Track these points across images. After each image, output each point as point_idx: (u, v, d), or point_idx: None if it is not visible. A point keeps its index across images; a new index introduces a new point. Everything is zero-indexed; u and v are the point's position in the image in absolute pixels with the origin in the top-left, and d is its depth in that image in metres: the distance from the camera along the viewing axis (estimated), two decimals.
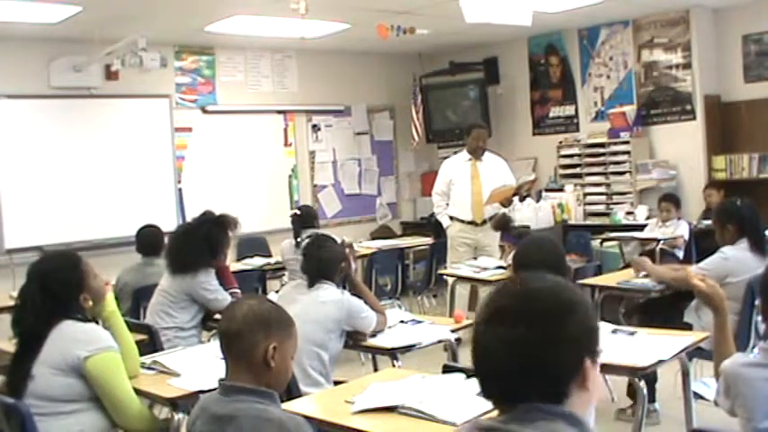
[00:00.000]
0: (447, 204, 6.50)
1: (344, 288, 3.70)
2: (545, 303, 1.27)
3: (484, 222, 6.33)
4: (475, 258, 6.09)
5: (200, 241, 4.13)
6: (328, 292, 3.55)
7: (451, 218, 6.46)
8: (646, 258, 4.71)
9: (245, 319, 2.03)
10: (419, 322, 3.85)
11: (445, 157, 6.99)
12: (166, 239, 4.67)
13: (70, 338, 2.65)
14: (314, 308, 3.46)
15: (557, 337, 1.24)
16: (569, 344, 1.25)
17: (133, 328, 3.29)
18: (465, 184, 6.37)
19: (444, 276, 6.12)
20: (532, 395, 1.24)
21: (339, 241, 3.87)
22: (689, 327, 4.08)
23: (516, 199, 6.76)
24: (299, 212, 5.70)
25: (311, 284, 3.59)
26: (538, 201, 7.97)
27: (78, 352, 2.61)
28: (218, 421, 1.94)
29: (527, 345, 1.24)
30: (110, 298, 2.98)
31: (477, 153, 6.40)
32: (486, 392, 1.31)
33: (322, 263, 3.62)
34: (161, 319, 4.02)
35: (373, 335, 3.60)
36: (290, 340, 2.09)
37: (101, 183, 7.16)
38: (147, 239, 5.02)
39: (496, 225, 5.67)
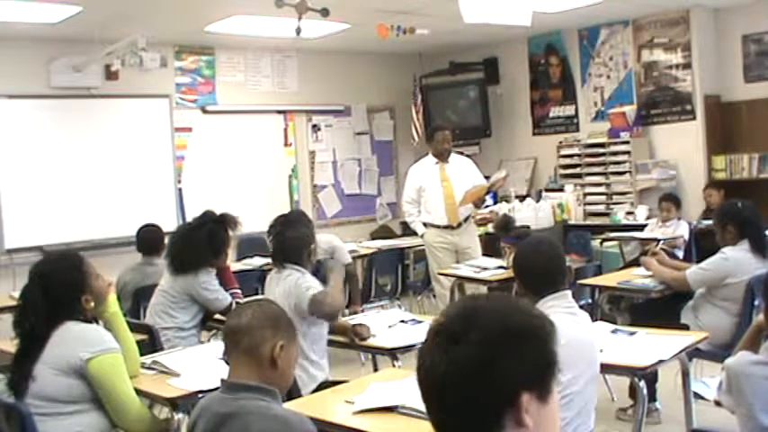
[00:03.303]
0: (419, 212, 6.32)
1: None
2: (486, 327, 1.16)
3: (459, 225, 6.19)
4: (458, 262, 5.94)
5: (201, 241, 4.12)
6: (288, 281, 3.49)
7: (425, 224, 6.27)
8: (651, 259, 4.67)
9: (254, 315, 2.06)
10: (419, 322, 3.84)
11: None
12: (167, 239, 4.67)
13: (73, 339, 2.66)
14: (281, 299, 3.33)
15: (488, 363, 1.14)
16: (501, 373, 1.14)
17: (133, 328, 3.28)
18: (436, 189, 6.20)
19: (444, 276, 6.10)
20: (462, 422, 1.16)
21: (347, 248, 3.81)
22: (686, 327, 4.09)
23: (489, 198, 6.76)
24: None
25: (279, 268, 3.53)
26: (538, 201, 7.97)
27: (81, 353, 2.62)
28: (221, 419, 1.94)
29: (459, 368, 1.14)
30: (112, 299, 2.99)
31: (443, 156, 6.24)
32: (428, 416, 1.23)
33: (286, 244, 3.54)
34: (161, 319, 4.02)
35: (334, 317, 3.55)
36: (295, 344, 2.11)
37: (101, 183, 7.16)
38: (148, 239, 5.02)
39: (497, 227, 5.63)
